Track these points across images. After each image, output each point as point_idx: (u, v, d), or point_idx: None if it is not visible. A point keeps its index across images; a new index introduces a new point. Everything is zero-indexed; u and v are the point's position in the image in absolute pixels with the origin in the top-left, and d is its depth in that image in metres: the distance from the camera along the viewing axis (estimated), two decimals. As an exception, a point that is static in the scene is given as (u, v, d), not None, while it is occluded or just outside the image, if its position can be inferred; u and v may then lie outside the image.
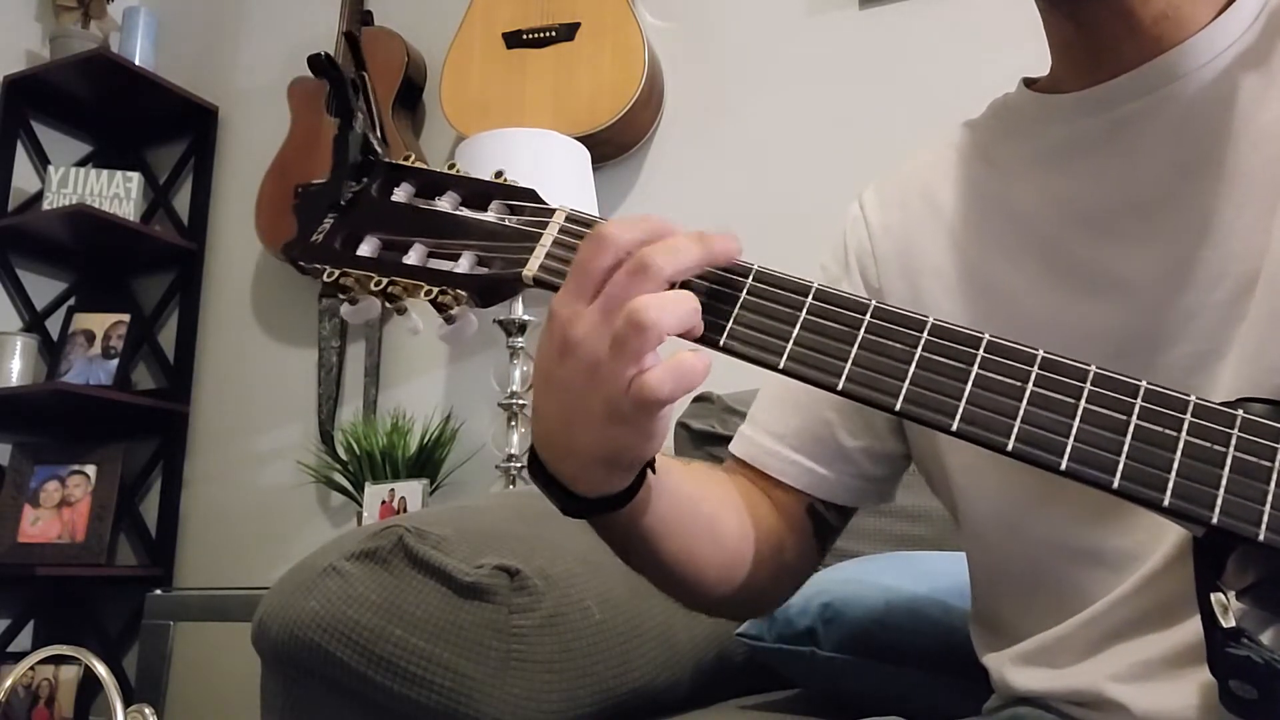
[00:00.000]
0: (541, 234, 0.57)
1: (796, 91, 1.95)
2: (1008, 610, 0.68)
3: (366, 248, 0.60)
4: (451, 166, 0.61)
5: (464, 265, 0.58)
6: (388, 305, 0.60)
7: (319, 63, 0.64)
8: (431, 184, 0.61)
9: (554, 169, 1.78)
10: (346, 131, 0.62)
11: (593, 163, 1.88)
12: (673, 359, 0.50)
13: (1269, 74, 0.60)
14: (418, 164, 0.62)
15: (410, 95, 2.26)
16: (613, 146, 1.98)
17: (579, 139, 1.85)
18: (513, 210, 0.59)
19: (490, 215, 0.59)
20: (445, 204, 0.60)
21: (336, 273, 0.59)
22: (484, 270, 0.57)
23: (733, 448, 0.76)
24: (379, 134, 0.62)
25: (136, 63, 2.48)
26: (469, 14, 2.08)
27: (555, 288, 0.55)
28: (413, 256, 0.59)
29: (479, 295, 0.57)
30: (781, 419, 0.74)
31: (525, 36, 2.00)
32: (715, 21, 2.05)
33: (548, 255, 0.56)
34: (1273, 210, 0.57)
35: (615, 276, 0.50)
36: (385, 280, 0.58)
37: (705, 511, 0.67)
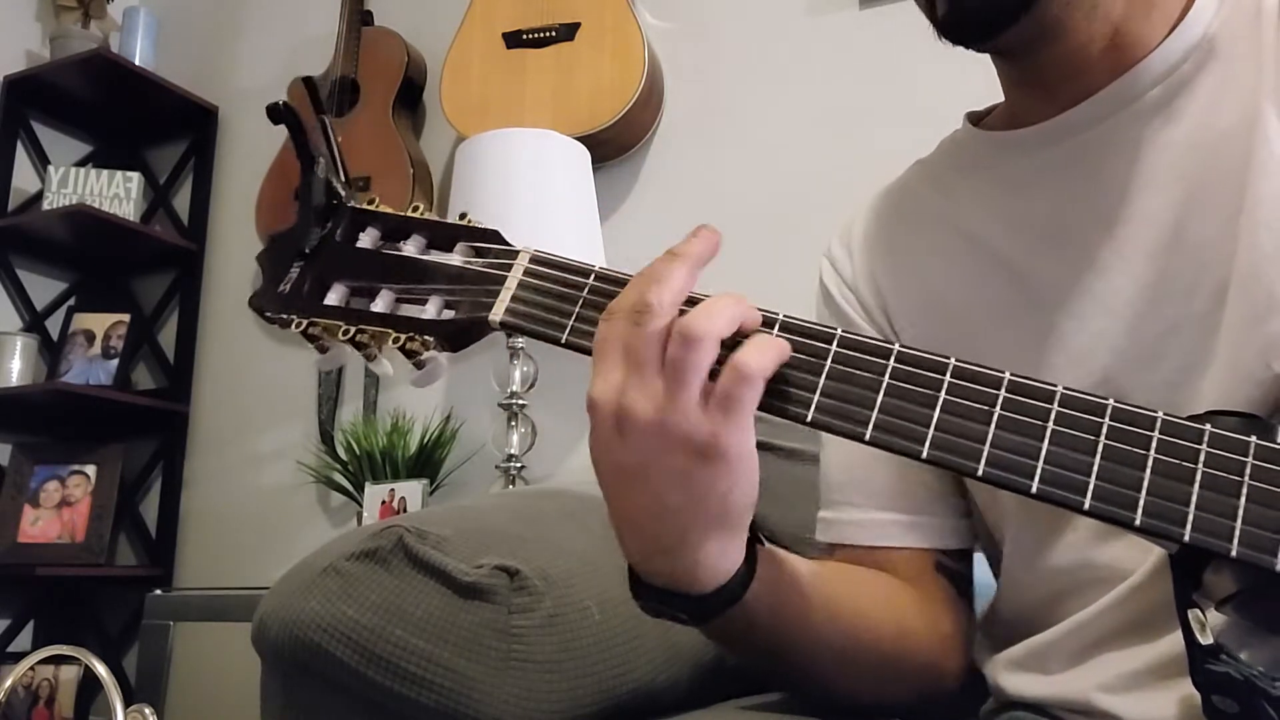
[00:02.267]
0: (506, 276, 0.57)
1: (796, 91, 1.94)
2: (1009, 616, 0.68)
3: (334, 296, 0.59)
4: (416, 209, 0.61)
5: (431, 310, 0.58)
6: (357, 352, 0.59)
7: (277, 111, 0.64)
8: (396, 227, 0.61)
9: (554, 169, 1.78)
10: (309, 177, 0.61)
11: (593, 163, 1.88)
12: (751, 339, 0.49)
13: (1225, 79, 0.60)
14: (382, 208, 0.62)
15: (410, 95, 2.26)
16: (613, 146, 1.98)
17: (579, 139, 1.85)
18: (478, 253, 0.59)
19: (456, 258, 0.59)
20: (411, 248, 0.60)
21: (304, 322, 0.59)
22: (451, 314, 0.57)
23: (825, 537, 0.71)
24: (343, 177, 0.61)
25: (136, 63, 2.48)
26: (469, 14, 2.08)
27: (523, 331, 0.55)
28: (380, 303, 0.58)
29: (448, 341, 0.57)
30: (861, 486, 0.70)
31: (525, 36, 2.00)
32: (715, 21, 2.05)
33: (513, 299, 0.56)
34: (1238, 215, 0.57)
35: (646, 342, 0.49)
36: (353, 328, 0.58)
37: (840, 591, 0.63)
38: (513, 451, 1.84)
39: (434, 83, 2.19)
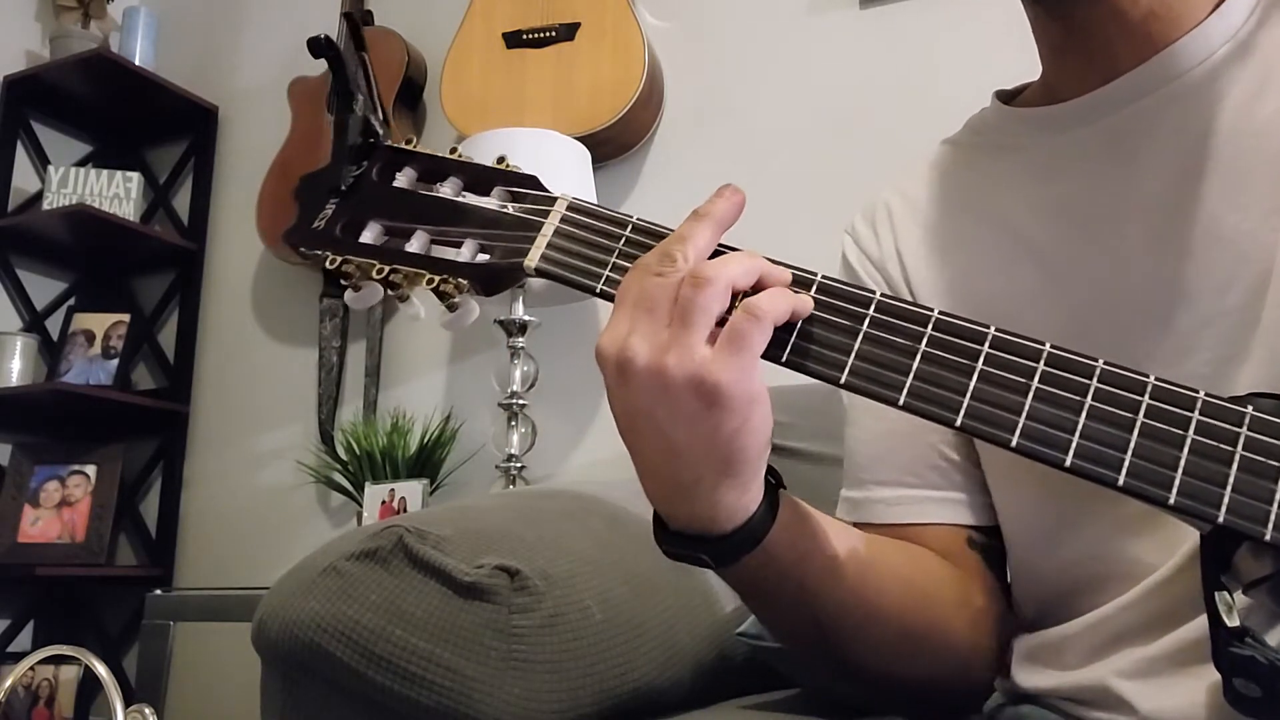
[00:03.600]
0: (543, 223, 0.56)
1: (796, 91, 1.94)
2: (1024, 609, 0.67)
3: (369, 234, 0.59)
4: (453, 152, 0.61)
5: (466, 253, 0.57)
6: (390, 292, 0.59)
7: (318, 44, 0.63)
8: (434, 169, 0.60)
9: (554, 169, 1.78)
10: (346, 114, 0.61)
11: (593, 162, 1.88)
12: (773, 288, 0.49)
13: (1266, 66, 0.59)
14: (419, 148, 0.61)
15: (411, 95, 2.26)
16: (613, 146, 1.98)
17: (579, 139, 1.85)
18: (515, 197, 0.59)
19: (492, 201, 0.58)
20: (447, 189, 0.59)
21: (338, 260, 0.59)
22: (486, 258, 0.57)
23: (851, 517, 0.69)
24: (381, 116, 0.61)
25: (136, 63, 2.47)
26: (469, 14, 2.08)
27: (557, 278, 0.55)
28: (415, 244, 0.58)
29: (481, 284, 0.57)
30: (889, 463, 0.68)
31: (525, 36, 2.00)
32: (715, 21, 2.05)
33: (549, 245, 0.55)
34: (1278, 208, 0.56)
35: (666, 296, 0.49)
36: (387, 268, 0.58)
37: (871, 548, 0.61)
38: (513, 451, 1.84)
39: (434, 82, 2.19)
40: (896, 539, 0.67)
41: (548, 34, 1.99)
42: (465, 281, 0.57)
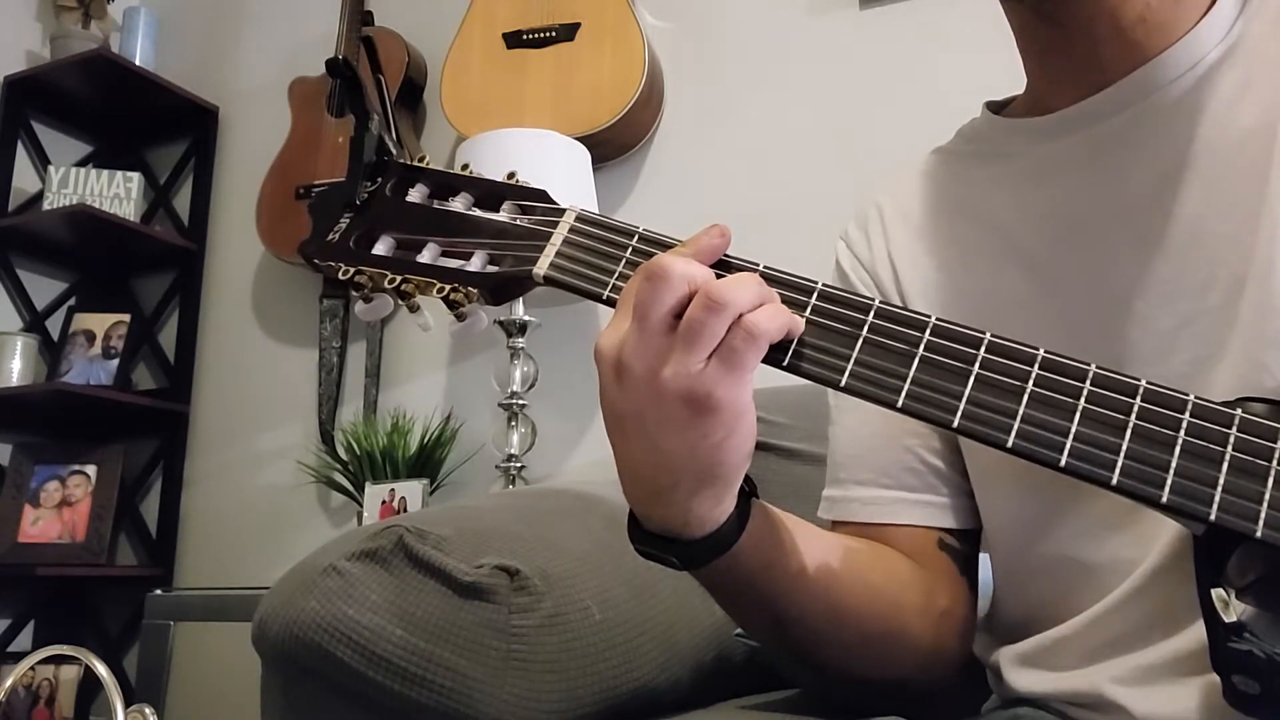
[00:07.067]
0: (552, 233, 0.58)
1: (796, 91, 1.95)
2: (1012, 611, 0.68)
3: (381, 247, 0.61)
4: (465, 168, 0.63)
5: (476, 264, 0.59)
6: (400, 302, 0.61)
7: (335, 66, 0.66)
8: (445, 185, 0.62)
9: (554, 169, 1.78)
10: (362, 133, 0.63)
11: (593, 163, 1.88)
12: (769, 305, 0.50)
13: (1247, 73, 0.60)
14: (431, 165, 0.63)
15: (410, 95, 2.26)
16: (613, 147, 1.98)
17: (579, 139, 1.86)
18: (524, 210, 0.60)
19: (502, 215, 0.60)
20: (458, 204, 0.61)
21: (351, 270, 0.60)
22: (495, 269, 0.59)
23: (829, 514, 0.72)
24: (394, 135, 0.64)
25: (137, 63, 2.48)
26: (469, 14, 2.08)
27: (565, 286, 0.56)
28: (426, 255, 0.60)
29: (490, 293, 0.59)
30: (867, 464, 0.70)
31: (525, 37, 2.01)
32: (715, 21, 2.05)
33: (558, 254, 0.57)
34: (1258, 211, 0.57)
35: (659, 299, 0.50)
36: (399, 278, 0.59)
37: (839, 554, 0.63)
38: (513, 451, 1.84)
39: (434, 83, 2.19)
40: (870, 538, 0.68)
41: (548, 34, 1.99)
42: (475, 291, 0.58)
